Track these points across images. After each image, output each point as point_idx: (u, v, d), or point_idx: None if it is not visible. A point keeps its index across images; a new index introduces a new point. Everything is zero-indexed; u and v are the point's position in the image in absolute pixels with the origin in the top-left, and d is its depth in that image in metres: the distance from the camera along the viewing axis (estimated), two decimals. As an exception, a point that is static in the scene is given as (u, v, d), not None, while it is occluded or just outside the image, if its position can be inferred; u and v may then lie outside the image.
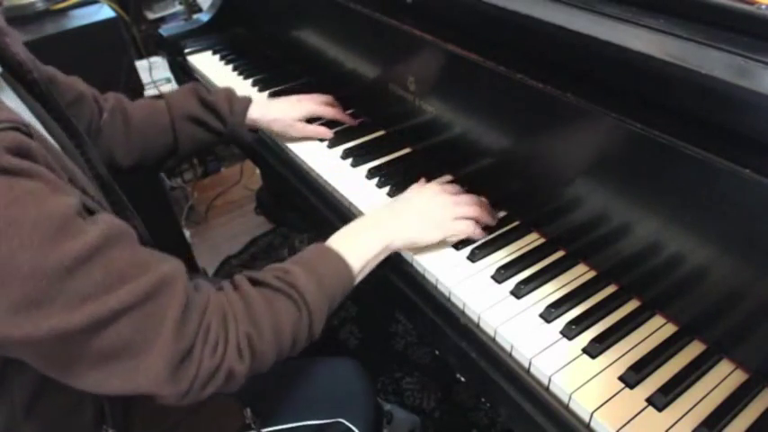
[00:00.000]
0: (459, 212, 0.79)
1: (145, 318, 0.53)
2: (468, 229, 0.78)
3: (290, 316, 0.65)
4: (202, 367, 0.57)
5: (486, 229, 0.81)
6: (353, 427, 0.84)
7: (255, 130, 1.05)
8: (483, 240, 0.79)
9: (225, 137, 1.02)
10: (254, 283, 0.66)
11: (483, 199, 0.84)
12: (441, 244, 0.79)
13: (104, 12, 1.40)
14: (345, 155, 0.99)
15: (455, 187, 0.85)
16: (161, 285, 0.55)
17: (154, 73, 1.82)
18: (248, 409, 0.82)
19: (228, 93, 1.01)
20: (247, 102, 1.02)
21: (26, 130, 0.52)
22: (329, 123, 1.07)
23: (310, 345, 0.73)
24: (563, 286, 0.73)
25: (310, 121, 1.05)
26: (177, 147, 0.98)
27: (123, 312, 0.52)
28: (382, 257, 0.76)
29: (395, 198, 0.85)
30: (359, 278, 0.74)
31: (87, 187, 0.61)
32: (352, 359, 0.97)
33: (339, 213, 0.91)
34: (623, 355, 0.64)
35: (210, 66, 1.34)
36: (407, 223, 0.77)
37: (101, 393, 0.55)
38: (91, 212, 0.56)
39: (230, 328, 0.60)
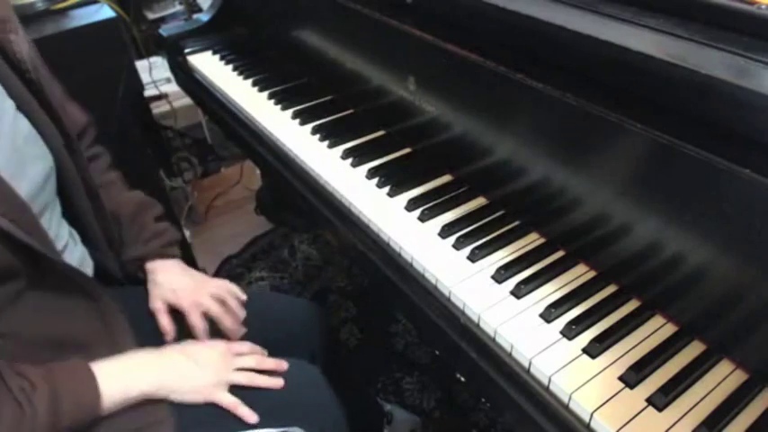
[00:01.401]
0: (238, 363, 0.79)
1: None
2: (247, 379, 0.78)
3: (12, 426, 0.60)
4: None
5: (487, 229, 0.81)
6: None
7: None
8: (483, 240, 0.79)
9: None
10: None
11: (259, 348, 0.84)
12: (441, 244, 0.79)
13: (104, 12, 1.40)
14: (345, 155, 0.99)
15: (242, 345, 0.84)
16: None
17: (154, 73, 1.82)
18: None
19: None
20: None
21: None
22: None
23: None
24: (563, 286, 0.73)
25: None
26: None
27: None
28: (141, 396, 0.71)
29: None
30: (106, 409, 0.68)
31: None
32: (307, 362, 0.91)
33: (339, 213, 0.91)
34: (623, 355, 0.64)
35: (210, 66, 1.34)
36: (180, 368, 0.75)
37: None
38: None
39: None
